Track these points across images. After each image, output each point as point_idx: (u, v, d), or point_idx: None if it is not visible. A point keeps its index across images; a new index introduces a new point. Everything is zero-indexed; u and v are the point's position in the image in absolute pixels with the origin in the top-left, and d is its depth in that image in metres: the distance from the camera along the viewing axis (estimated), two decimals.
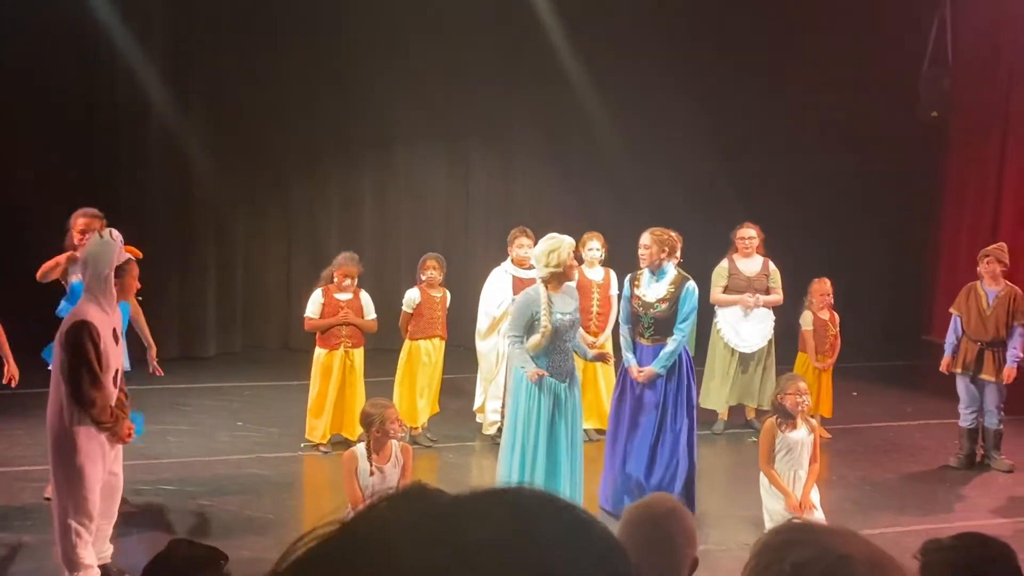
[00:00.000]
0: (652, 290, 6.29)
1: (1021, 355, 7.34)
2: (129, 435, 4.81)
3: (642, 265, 6.48)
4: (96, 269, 4.64)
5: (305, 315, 7.16)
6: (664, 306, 6.22)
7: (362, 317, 7.11)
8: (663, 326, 6.25)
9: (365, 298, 7.14)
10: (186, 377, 8.94)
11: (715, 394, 8.12)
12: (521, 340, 5.77)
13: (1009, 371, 7.26)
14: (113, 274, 4.68)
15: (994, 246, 7.70)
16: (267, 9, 10.08)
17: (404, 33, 10.35)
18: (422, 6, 10.30)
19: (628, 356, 6.33)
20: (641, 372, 6.19)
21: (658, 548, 2.63)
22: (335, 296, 7.05)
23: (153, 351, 6.32)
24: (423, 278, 7.38)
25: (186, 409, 8.22)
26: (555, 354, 5.78)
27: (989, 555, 2.41)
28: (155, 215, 9.75)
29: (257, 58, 10.13)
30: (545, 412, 5.82)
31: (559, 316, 5.74)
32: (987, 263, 7.41)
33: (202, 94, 10.02)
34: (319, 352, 7.12)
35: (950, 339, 7.51)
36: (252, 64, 10.12)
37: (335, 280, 7.06)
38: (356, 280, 7.14)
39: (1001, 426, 7.34)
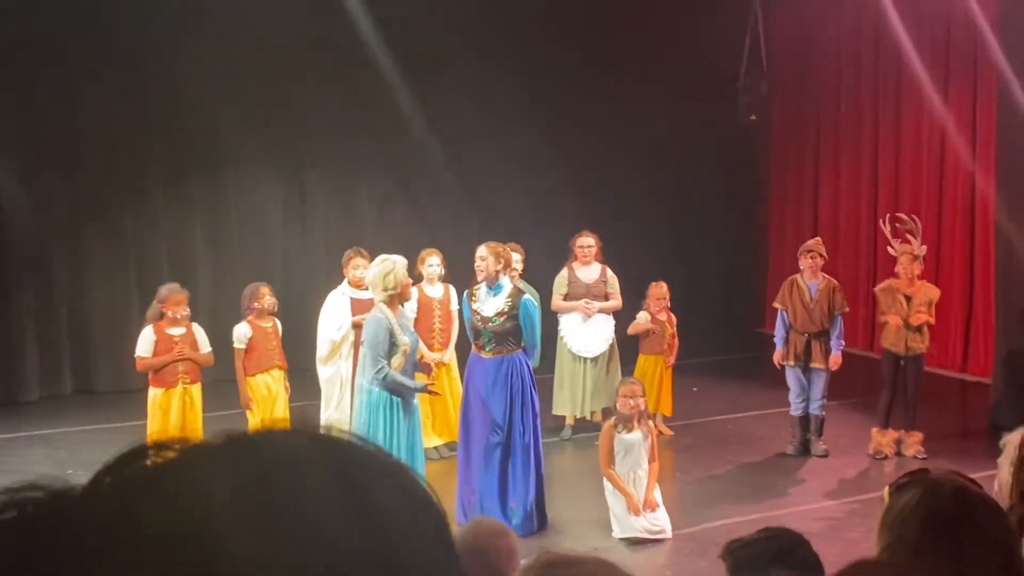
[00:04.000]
0: (489, 304, 6.35)
1: (843, 343, 7.78)
2: None
3: (479, 278, 6.56)
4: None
5: (136, 355, 6.78)
6: (502, 319, 6.30)
7: (197, 351, 6.84)
8: (503, 339, 6.31)
9: (198, 331, 6.86)
10: (8, 426, 8.44)
11: (565, 400, 8.26)
12: (386, 367, 5.72)
13: (835, 358, 7.66)
14: None
15: (812, 241, 8.13)
16: (89, 32, 9.63)
17: (231, 55, 10.09)
18: (249, 28, 10.07)
19: None
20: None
21: (485, 571, 2.65)
22: (167, 331, 6.73)
23: None
24: (258, 307, 7.14)
25: (10, 461, 7.73)
26: (404, 373, 5.81)
27: (790, 542, 2.54)
28: None
29: (78, 83, 9.69)
30: (404, 431, 5.81)
31: (407, 338, 5.79)
32: (809, 258, 7.80)
33: (18, 122, 9.49)
34: (155, 392, 6.75)
35: (779, 332, 7.87)
36: (73, 91, 9.68)
37: (165, 315, 6.75)
38: (188, 310, 6.85)
39: (823, 412, 7.75)
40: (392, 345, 5.72)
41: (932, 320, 7.67)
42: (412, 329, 6.05)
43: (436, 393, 6.53)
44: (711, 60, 11.35)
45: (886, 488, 2.04)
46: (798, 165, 12.42)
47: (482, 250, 6.44)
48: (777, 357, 7.83)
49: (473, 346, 6.45)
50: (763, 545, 2.48)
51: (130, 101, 9.83)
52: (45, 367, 9.82)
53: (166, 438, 0.54)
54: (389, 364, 5.73)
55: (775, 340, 7.89)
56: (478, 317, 6.33)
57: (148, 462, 0.52)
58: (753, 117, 11.59)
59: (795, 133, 12.39)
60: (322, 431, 0.57)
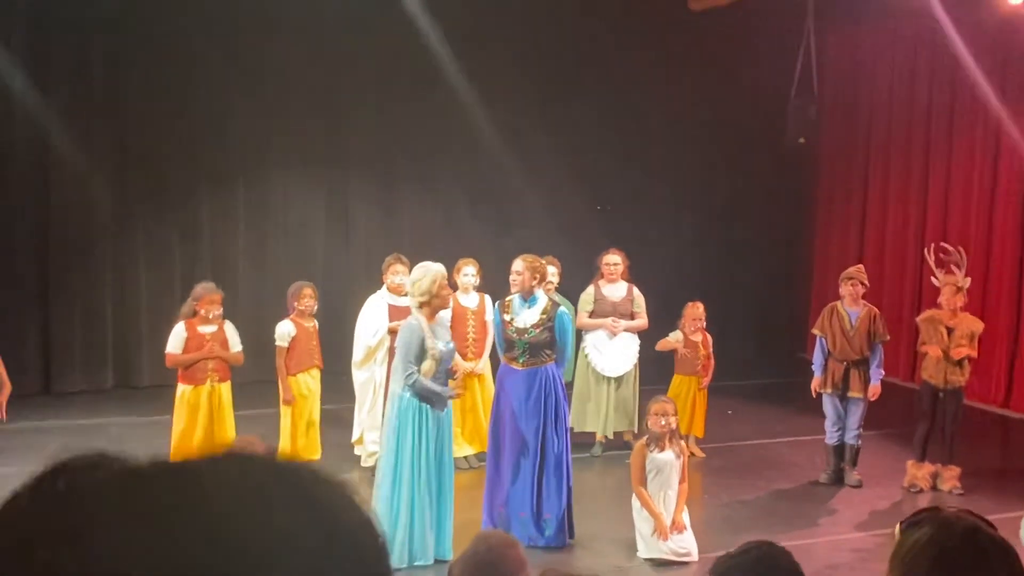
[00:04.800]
0: (524, 316, 6.36)
1: (883, 372, 7.67)
2: None
3: (513, 291, 6.64)
4: None
5: (167, 351, 6.88)
6: (538, 331, 6.30)
7: (227, 350, 6.90)
8: (537, 351, 6.32)
9: (230, 329, 6.95)
10: (49, 414, 8.60)
11: (591, 417, 8.24)
12: (416, 373, 5.77)
13: (874, 388, 7.55)
14: None
15: (854, 268, 8.03)
16: (143, 37, 9.85)
17: (280, 59, 10.24)
18: (299, 31, 10.22)
19: None
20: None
21: None
22: (199, 329, 6.81)
23: (6, 392, 6.06)
24: (299, 308, 7.25)
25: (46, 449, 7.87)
26: (437, 383, 5.83)
27: (772, 556, 2.53)
28: (13, 248, 9.45)
29: (127, 85, 9.91)
30: (432, 442, 5.83)
31: (441, 346, 5.82)
32: (851, 285, 7.71)
33: (70, 121, 9.72)
34: (183, 388, 6.83)
35: (817, 359, 7.77)
36: (121, 91, 9.89)
37: (198, 313, 6.85)
38: (221, 309, 6.94)
39: (859, 442, 7.63)
40: (424, 351, 5.75)
41: (975, 354, 7.53)
42: (449, 338, 6.05)
43: (457, 394, 6.51)
44: (761, 81, 11.27)
45: (897, 524, 2.01)
46: (845, 190, 12.27)
47: (518, 264, 6.48)
48: (815, 384, 7.74)
49: (504, 358, 6.44)
50: (746, 558, 2.48)
51: (179, 104, 10.02)
52: (88, 360, 10.01)
53: (95, 457, 0.56)
54: (419, 370, 5.76)
55: (813, 367, 7.80)
56: (512, 328, 6.33)
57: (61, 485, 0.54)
58: (802, 139, 11.46)
59: (844, 157, 12.24)
60: (252, 456, 0.58)
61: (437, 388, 5.83)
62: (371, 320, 7.40)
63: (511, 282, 6.67)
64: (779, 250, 12.38)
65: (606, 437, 8.29)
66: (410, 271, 7.06)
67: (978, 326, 7.56)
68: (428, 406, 5.83)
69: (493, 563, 2.69)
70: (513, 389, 6.32)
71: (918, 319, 7.80)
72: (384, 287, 7.55)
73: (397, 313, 7.09)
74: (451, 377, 6.14)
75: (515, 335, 6.32)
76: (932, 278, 8.02)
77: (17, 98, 9.39)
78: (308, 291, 7.27)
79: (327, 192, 10.89)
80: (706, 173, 11.64)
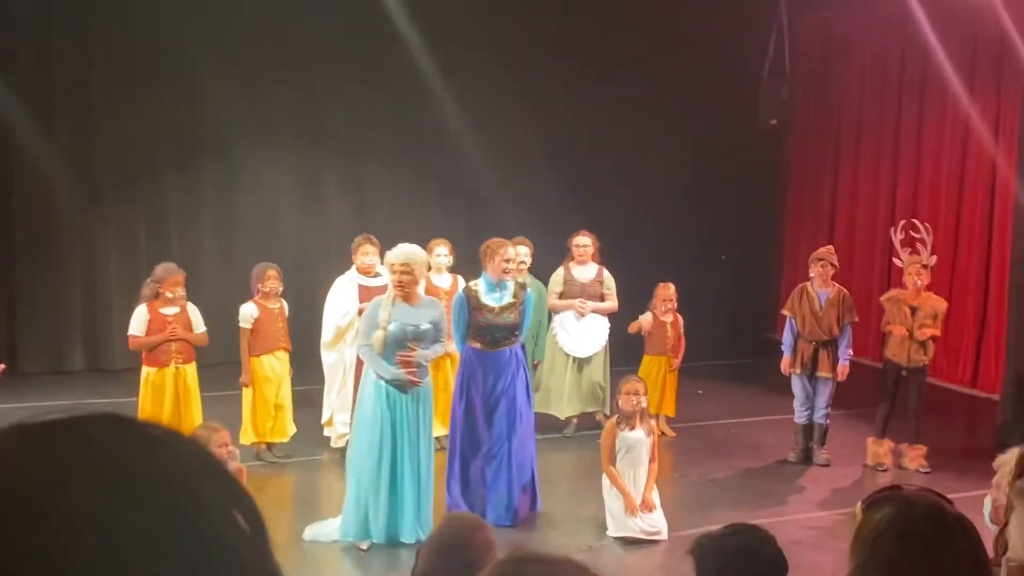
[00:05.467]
0: (493, 298, 6.34)
1: (851, 352, 7.73)
2: None
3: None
4: None
5: (129, 333, 6.81)
6: (512, 315, 6.33)
7: (191, 331, 6.85)
8: (511, 332, 6.38)
9: (193, 311, 6.87)
10: (16, 396, 8.49)
11: (557, 398, 8.25)
12: (368, 343, 5.79)
13: (843, 368, 7.62)
14: None
15: (824, 249, 8.07)
16: (105, 10, 9.70)
17: (249, 39, 10.11)
18: (266, 9, 10.08)
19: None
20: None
21: (464, 570, 2.64)
22: (161, 311, 6.74)
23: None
24: (263, 289, 7.19)
25: None
26: (387, 361, 5.78)
27: (756, 539, 2.54)
28: None
29: (91, 66, 9.77)
30: (386, 424, 5.79)
31: (399, 324, 5.73)
32: (820, 266, 7.75)
33: (26, 100, 9.56)
34: (148, 371, 6.76)
35: (787, 340, 7.83)
36: (86, 72, 9.75)
37: (161, 295, 6.76)
38: (184, 290, 6.86)
39: (828, 421, 7.70)
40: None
41: (938, 333, 7.60)
42: (420, 322, 5.86)
43: (408, 380, 6.17)
44: (733, 62, 11.26)
45: (858, 504, 2.02)
46: (817, 171, 12.32)
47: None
48: (784, 365, 7.79)
49: (471, 342, 6.39)
50: (728, 540, 2.49)
51: (145, 80, 9.87)
52: (57, 344, 9.91)
53: None
54: (371, 343, 5.76)
55: (783, 347, 7.85)
56: (489, 312, 6.30)
57: None
58: (774, 121, 11.50)
59: (815, 139, 12.29)
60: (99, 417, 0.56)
61: (383, 365, 5.77)
62: (340, 301, 7.35)
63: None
64: (750, 231, 12.41)
65: (576, 418, 8.31)
66: (380, 251, 7.04)
67: (941, 305, 7.63)
68: (393, 389, 5.79)
69: (459, 545, 2.68)
70: (486, 371, 6.32)
71: (882, 299, 7.86)
72: (354, 267, 7.50)
73: (367, 294, 7.05)
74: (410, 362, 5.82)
75: (492, 318, 6.30)
76: (895, 259, 8.08)
77: None
78: (272, 272, 7.21)
79: (297, 173, 10.79)
80: (677, 153, 11.63)
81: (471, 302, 6.36)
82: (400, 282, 5.80)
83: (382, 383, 5.79)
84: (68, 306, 10.00)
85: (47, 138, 9.62)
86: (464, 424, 6.42)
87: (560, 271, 8.30)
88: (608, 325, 8.28)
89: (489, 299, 6.35)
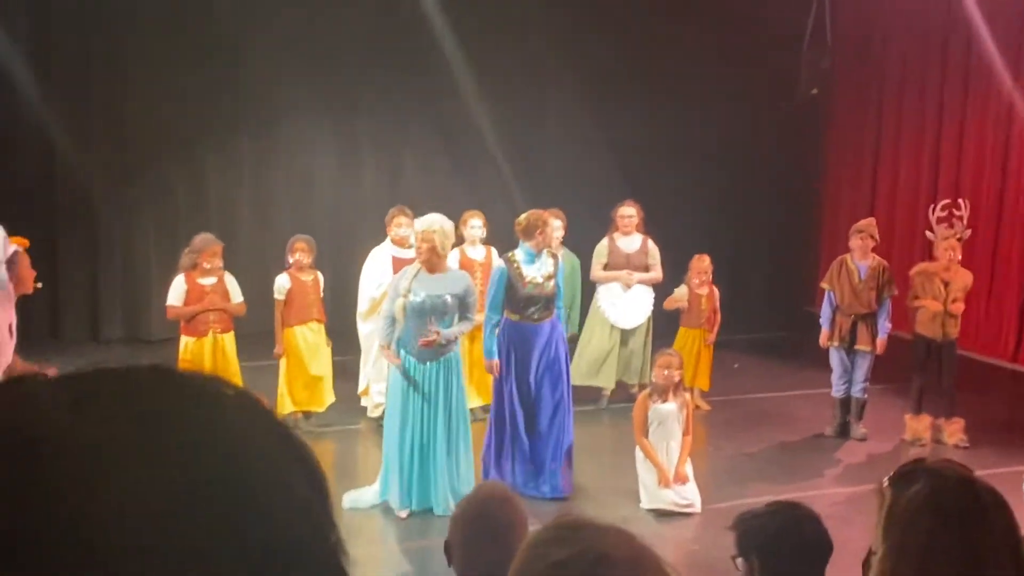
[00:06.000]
0: (534, 269, 6.31)
1: (890, 326, 7.63)
2: None
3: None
4: None
5: (167, 303, 6.90)
6: (551, 283, 6.31)
7: (228, 301, 6.90)
8: (550, 303, 6.38)
9: (230, 280, 6.94)
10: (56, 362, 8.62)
11: (603, 369, 8.24)
12: (392, 311, 5.81)
13: (881, 342, 7.53)
14: (5, 269, 4.50)
15: (865, 222, 7.97)
16: None
17: (287, 8, 10.12)
18: None
19: (489, 348, 6.33)
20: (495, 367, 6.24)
21: (494, 540, 2.64)
22: (198, 281, 6.80)
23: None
24: (291, 261, 7.26)
25: None
26: (416, 336, 5.78)
27: (798, 517, 2.52)
28: (19, 198, 9.43)
29: (131, 34, 9.81)
30: (410, 395, 5.82)
31: (422, 296, 5.71)
32: (860, 239, 7.66)
33: (65, 71, 9.65)
34: (186, 340, 6.86)
35: (825, 313, 7.75)
36: (125, 39, 9.81)
37: (198, 265, 6.83)
38: (221, 260, 6.91)
39: (866, 396, 7.62)
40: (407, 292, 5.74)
41: (963, 307, 7.53)
42: (441, 292, 5.79)
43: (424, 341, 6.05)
44: (773, 30, 11.09)
45: (884, 480, 1.98)
46: (857, 143, 12.11)
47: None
48: (823, 338, 7.72)
49: (511, 315, 6.34)
50: (771, 518, 2.46)
51: (182, 51, 9.92)
52: (96, 313, 10.06)
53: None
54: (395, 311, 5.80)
55: (821, 321, 7.77)
56: (532, 284, 6.27)
57: None
58: (814, 91, 11.34)
59: (856, 110, 12.07)
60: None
61: (386, 333, 5.76)
62: (375, 272, 7.38)
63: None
64: (789, 203, 12.27)
65: (610, 390, 8.30)
66: (414, 223, 7.04)
67: (969, 278, 7.55)
68: (430, 359, 5.80)
69: (490, 514, 2.68)
70: (529, 344, 6.29)
71: (912, 272, 7.74)
72: (388, 239, 7.52)
73: (401, 265, 7.04)
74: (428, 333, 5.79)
75: (534, 290, 6.27)
76: (927, 232, 7.97)
77: (21, 45, 9.31)
78: (301, 244, 7.25)
79: (334, 146, 10.81)
80: (716, 124, 11.49)
81: (511, 273, 6.31)
82: (419, 249, 5.77)
83: (404, 353, 5.81)
84: (108, 276, 10.14)
85: (86, 110, 9.71)
86: (508, 398, 6.36)
87: (604, 242, 8.21)
88: (652, 296, 8.23)
89: (530, 270, 6.31)
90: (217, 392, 0.54)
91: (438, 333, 5.72)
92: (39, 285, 5.14)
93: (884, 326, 7.55)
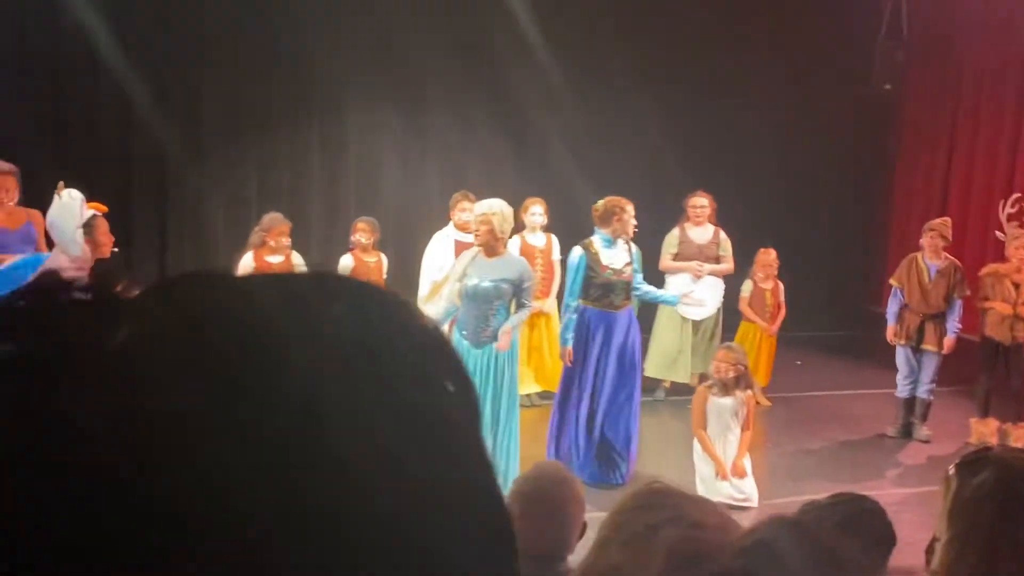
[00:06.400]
0: (612, 256, 6.27)
1: (960, 326, 7.47)
2: None
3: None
4: (63, 232, 4.59)
5: None
6: (629, 270, 6.29)
7: None
8: (628, 291, 6.34)
9: (297, 260, 7.03)
10: None
11: (656, 360, 8.18)
12: (449, 298, 5.86)
13: (949, 341, 7.38)
14: (82, 233, 4.63)
15: (939, 220, 7.81)
16: None
17: None
18: None
19: (565, 335, 6.30)
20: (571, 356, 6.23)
21: (551, 518, 2.66)
22: (266, 259, 6.91)
23: None
24: (352, 241, 7.34)
25: None
26: (472, 319, 5.77)
27: (863, 510, 2.49)
28: (95, 183, 9.65)
29: (205, 20, 9.99)
30: (489, 376, 5.83)
31: (476, 280, 5.72)
32: (931, 237, 7.51)
33: (148, 54, 9.84)
34: None
35: (891, 309, 7.62)
36: (199, 25, 9.99)
37: (266, 243, 6.92)
38: (289, 239, 7.01)
39: (931, 397, 7.47)
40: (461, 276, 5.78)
41: None
42: (497, 277, 5.73)
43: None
44: (847, 23, 10.88)
45: (950, 468, 1.95)
46: (931, 140, 11.83)
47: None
48: (889, 334, 7.59)
49: (588, 302, 6.27)
50: (838, 509, 2.43)
51: (257, 37, 10.06)
52: None
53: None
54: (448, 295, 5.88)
55: (887, 316, 7.63)
56: (610, 271, 6.23)
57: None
58: (888, 86, 11.10)
59: (930, 106, 11.78)
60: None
61: (435, 311, 5.81)
62: (437, 256, 7.43)
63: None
64: (857, 200, 12.05)
65: (669, 381, 8.24)
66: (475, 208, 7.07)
67: None
68: (469, 343, 5.80)
69: (547, 493, 2.69)
70: (606, 331, 6.25)
71: (981, 273, 7.56)
72: (451, 224, 7.56)
73: (463, 249, 7.08)
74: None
75: (612, 276, 6.24)
76: (998, 232, 7.77)
77: (103, 15, 9.52)
78: (362, 225, 7.33)
79: (402, 132, 10.87)
80: (785, 116, 11.32)
81: (591, 260, 6.26)
82: (477, 232, 5.76)
83: (459, 336, 5.83)
84: (177, 252, 10.33)
85: (161, 93, 9.90)
86: (578, 384, 6.32)
87: (675, 232, 8.11)
88: (723, 288, 8.11)
89: (608, 256, 6.27)
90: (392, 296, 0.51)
91: (508, 332, 5.73)
92: (116, 250, 5.24)
93: (954, 326, 7.40)
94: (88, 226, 4.68)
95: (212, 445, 0.39)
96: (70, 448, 0.38)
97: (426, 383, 0.46)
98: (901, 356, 7.56)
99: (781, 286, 8.26)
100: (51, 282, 0.43)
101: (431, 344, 0.49)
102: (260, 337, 0.42)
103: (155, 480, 0.38)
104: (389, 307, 0.49)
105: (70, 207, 4.64)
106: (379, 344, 0.46)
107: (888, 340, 7.60)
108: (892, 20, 10.83)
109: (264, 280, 0.47)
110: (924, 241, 7.54)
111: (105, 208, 4.89)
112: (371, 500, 0.41)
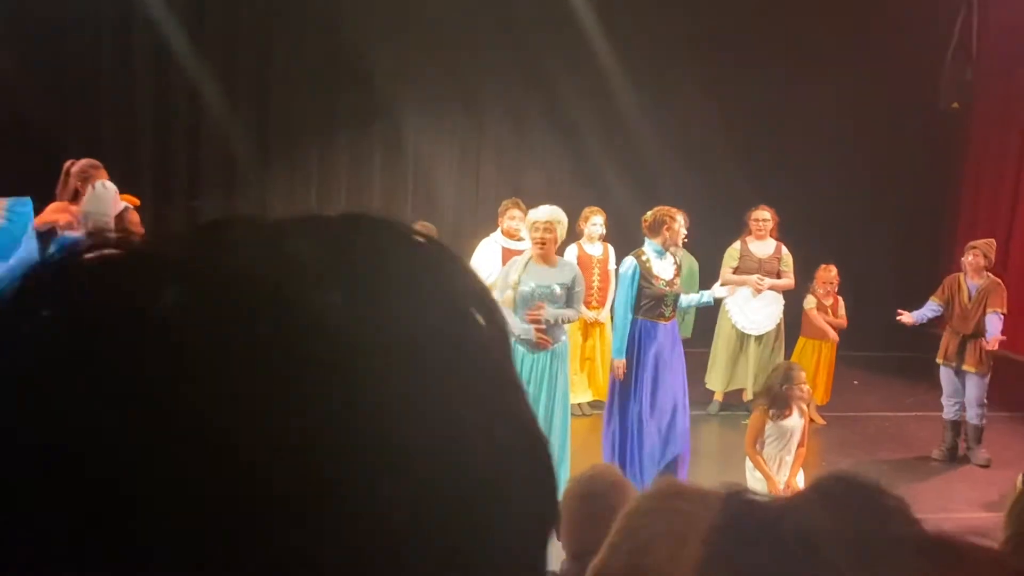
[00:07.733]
0: (663, 267, 6.25)
1: (1001, 337, 7.25)
2: None
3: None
4: (96, 221, 4.70)
5: None
6: (679, 281, 6.28)
7: None
8: (677, 303, 6.32)
9: None
10: None
11: (716, 375, 8.13)
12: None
13: (993, 340, 7.16)
14: (113, 224, 4.74)
15: (983, 240, 7.68)
16: None
17: (416, 8, 10.33)
18: None
19: (620, 347, 6.26)
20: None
21: (600, 521, 2.66)
22: None
23: None
24: None
25: None
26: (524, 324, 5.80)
27: (852, 490, 2.45)
28: (166, 190, 9.91)
29: (271, 28, 10.21)
30: (540, 383, 5.85)
31: (531, 285, 5.73)
32: (973, 256, 7.39)
33: (219, 63, 10.08)
34: None
35: (921, 311, 7.51)
36: (266, 33, 10.21)
37: None
38: None
39: (983, 421, 7.30)
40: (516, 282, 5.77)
41: None
42: (551, 282, 5.76)
43: (536, 340, 5.89)
44: (916, 39, 10.72)
45: (1020, 475, 1.95)
46: (998, 160, 11.59)
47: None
48: (906, 317, 7.43)
49: (640, 314, 6.20)
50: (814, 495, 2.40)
51: (322, 42, 10.23)
52: None
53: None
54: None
55: (917, 313, 7.52)
56: (662, 282, 6.21)
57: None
58: (955, 104, 10.90)
59: (999, 126, 11.55)
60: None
61: (509, 320, 5.77)
62: (484, 262, 7.44)
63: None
64: (922, 219, 11.85)
65: (722, 395, 8.18)
66: (526, 216, 7.09)
67: None
68: (523, 348, 5.80)
69: (598, 495, 2.70)
70: (659, 343, 6.21)
71: None
72: (499, 230, 7.59)
73: (510, 256, 7.10)
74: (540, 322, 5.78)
75: (666, 288, 6.22)
76: None
77: (177, 14, 9.75)
78: (418, 228, 7.38)
79: (459, 136, 10.98)
80: (851, 133, 11.19)
81: (644, 271, 6.21)
82: (543, 240, 5.71)
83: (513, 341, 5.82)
84: None
85: (231, 100, 10.13)
86: (632, 395, 6.28)
87: (736, 245, 8.04)
88: (783, 303, 8.02)
89: (659, 267, 6.26)
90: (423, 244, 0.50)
91: (541, 306, 5.72)
92: None
93: (994, 332, 7.17)
94: (119, 218, 4.76)
95: (270, 400, 0.37)
96: (149, 422, 0.36)
97: (457, 313, 0.45)
98: (944, 375, 7.45)
99: (842, 302, 8.16)
100: (83, 245, 0.41)
101: (463, 280, 0.49)
102: (293, 282, 0.40)
103: (245, 443, 0.36)
104: (418, 246, 0.50)
105: (104, 198, 4.73)
106: (415, 278, 0.46)
107: (899, 319, 7.48)
108: (961, 38, 10.64)
109: (294, 223, 0.46)
110: (966, 260, 7.42)
111: (137, 201, 4.98)
112: (426, 431, 0.40)
